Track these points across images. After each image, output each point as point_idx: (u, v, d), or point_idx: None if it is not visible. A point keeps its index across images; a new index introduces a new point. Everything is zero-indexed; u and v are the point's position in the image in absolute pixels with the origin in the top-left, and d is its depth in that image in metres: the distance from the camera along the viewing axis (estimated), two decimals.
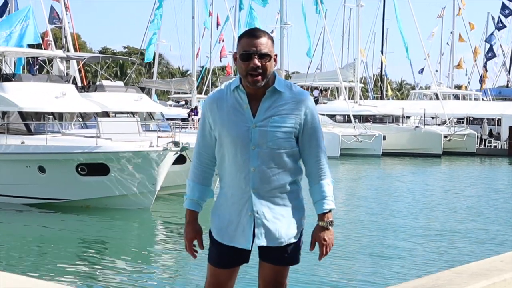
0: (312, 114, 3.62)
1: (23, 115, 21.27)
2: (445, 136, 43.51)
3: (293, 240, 3.65)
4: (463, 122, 48.83)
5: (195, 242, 3.76)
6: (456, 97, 60.91)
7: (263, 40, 3.50)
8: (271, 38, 3.57)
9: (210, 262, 3.75)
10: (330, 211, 3.65)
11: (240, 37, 3.56)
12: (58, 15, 38.31)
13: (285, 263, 3.70)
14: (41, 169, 19.58)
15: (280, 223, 3.60)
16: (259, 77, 3.49)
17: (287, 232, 3.62)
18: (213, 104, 3.62)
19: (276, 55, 3.57)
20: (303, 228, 3.72)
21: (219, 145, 3.62)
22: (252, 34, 3.53)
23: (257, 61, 3.47)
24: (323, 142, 3.69)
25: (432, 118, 49.98)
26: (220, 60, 61.71)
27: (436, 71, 70.14)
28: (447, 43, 72.78)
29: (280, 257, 3.66)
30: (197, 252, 3.78)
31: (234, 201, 3.62)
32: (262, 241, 3.59)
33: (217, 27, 58.33)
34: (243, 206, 3.59)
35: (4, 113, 21.50)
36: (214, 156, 3.71)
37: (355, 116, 45.10)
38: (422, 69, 71.71)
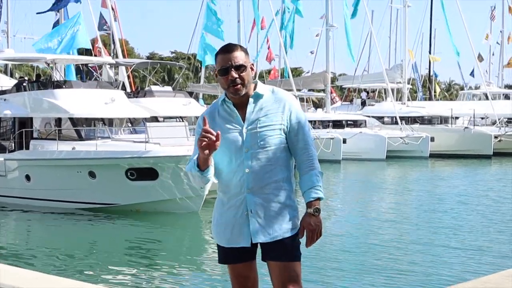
0: (295, 109, 3.87)
1: (74, 121, 21.65)
2: (495, 137, 42.78)
3: (287, 235, 3.83)
4: None
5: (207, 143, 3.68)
6: (507, 97, 59.70)
7: (237, 54, 3.80)
8: (245, 50, 3.87)
9: (220, 262, 4.03)
10: (318, 199, 3.85)
11: (216, 55, 3.86)
12: (106, 21, 38.93)
13: (284, 258, 3.83)
14: (92, 174, 19.91)
15: (274, 219, 3.82)
16: (239, 86, 3.79)
17: (280, 227, 3.83)
18: (207, 118, 3.81)
19: (252, 64, 3.88)
20: (299, 227, 3.88)
21: (215, 154, 3.77)
22: (225, 50, 3.83)
23: (234, 73, 3.77)
24: (310, 135, 3.93)
25: (482, 118, 49.19)
26: (270, 63, 61.70)
27: (486, 71, 69.17)
28: (497, 42, 71.77)
29: (278, 252, 3.82)
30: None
31: (230, 205, 3.87)
32: (257, 238, 3.83)
33: (261, 29, 58.25)
34: (239, 208, 3.83)
35: (57, 119, 21.91)
36: None
37: (403, 118, 44.66)
38: (473, 71, 70.59)
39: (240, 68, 3.79)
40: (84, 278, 11.79)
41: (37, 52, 28.21)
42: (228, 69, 3.78)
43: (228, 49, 3.84)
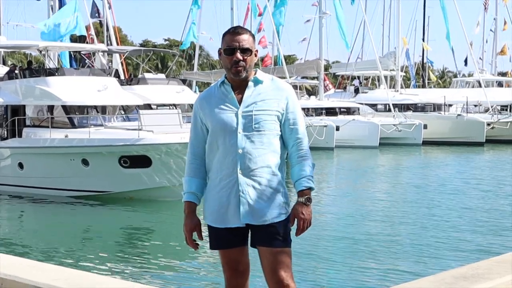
0: (293, 100, 3.94)
1: (67, 109, 21.61)
2: (488, 124, 42.92)
3: (276, 220, 3.86)
4: (507, 110, 48.10)
5: (195, 235, 4.01)
6: (500, 84, 59.85)
7: (245, 37, 3.88)
8: (252, 35, 3.95)
9: (212, 248, 4.02)
10: (309, 189, 3.89)
11: (224, 34, 3.93)
12: (98, 9, 38.74)
13: (274, 244, 3.85)
14: (85, 162, 19.89)
15: (265, 203, 3.85)
16: (241, 69, 3.85)
17: (271, 211, 3.86)
18: (202, 101, 3.97)
19: (257, 51, 3.97)
20: (290, 213, 3.91)
21: (209, 135, 3.92)
22: (235, 31, 3.91)
23: (239, 55, 3.84)
24: (304, 127, 3.99)
25: (475, 106, 49.29)
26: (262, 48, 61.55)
27: (480, 58, 69.16)
28: (491, 30, 71.75)
29: (268, 238, 3.85)
30: (197, 244, 4.01)
31: (222, 185, 3.89)
32: (247, 219, 3.86)
33: (258, 16, 58.03)
34: (232, 188, 3.86)
35: (50, 107, 21.86)
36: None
37: (396, 105, 44.79)
38: (466, 59, 70.50)
39: (246, 51, 3.86)
40: (77, 265, 11.81)
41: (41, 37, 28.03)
42: (234, 49, 3.84)
43: (238, 31, 3.91)
